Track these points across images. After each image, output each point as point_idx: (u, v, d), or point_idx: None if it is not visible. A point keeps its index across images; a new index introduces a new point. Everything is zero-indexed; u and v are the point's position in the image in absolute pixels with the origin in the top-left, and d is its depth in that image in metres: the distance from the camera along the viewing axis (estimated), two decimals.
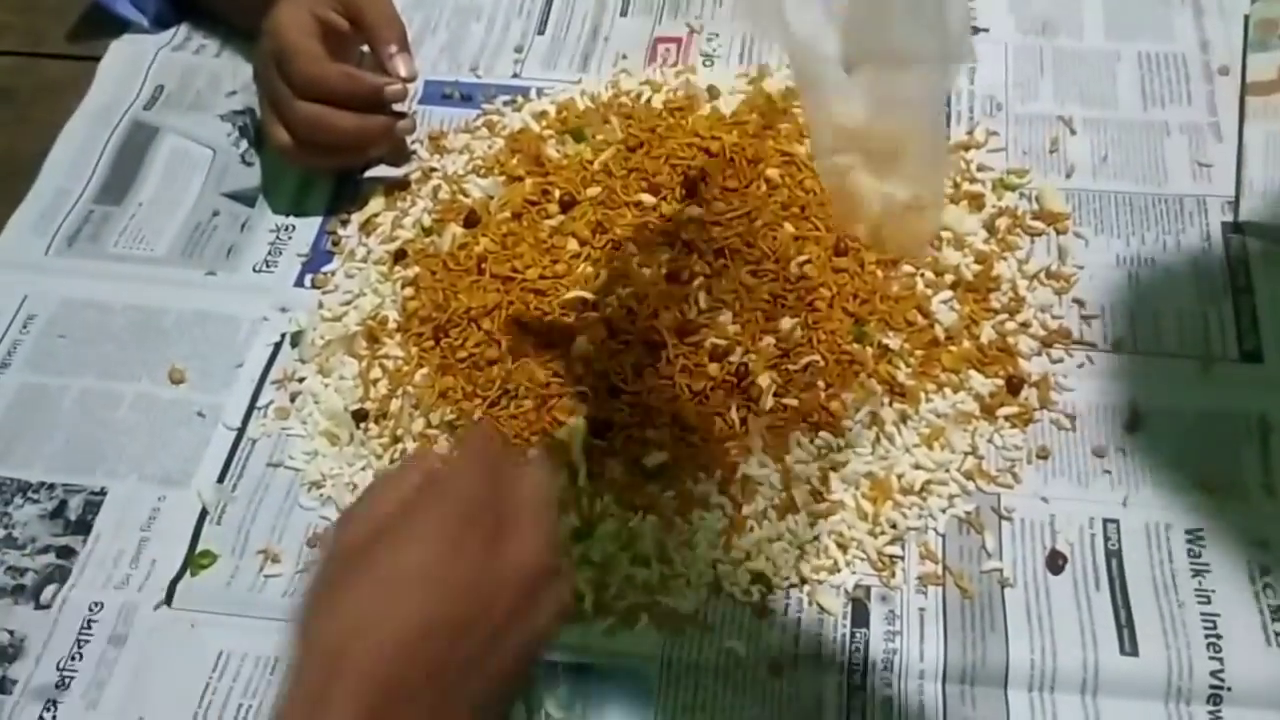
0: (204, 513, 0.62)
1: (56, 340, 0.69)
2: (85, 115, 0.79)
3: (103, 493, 0.63)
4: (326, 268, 0.71)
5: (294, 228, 0.73)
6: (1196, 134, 0.71)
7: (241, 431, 0.65)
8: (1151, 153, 0.70)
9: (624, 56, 0.78)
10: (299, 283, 0.70)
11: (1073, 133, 0.72)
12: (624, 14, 0.81)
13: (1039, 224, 0.68)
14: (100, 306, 0.70)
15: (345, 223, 0.73)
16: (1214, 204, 0.68)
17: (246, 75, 0.78)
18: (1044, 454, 0.60)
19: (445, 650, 0.41)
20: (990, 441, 0.61)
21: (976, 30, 0.77)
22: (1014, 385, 0.62)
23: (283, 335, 0.68)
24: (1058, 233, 0.68)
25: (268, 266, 0.72)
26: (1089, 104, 0.73)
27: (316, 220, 0.73)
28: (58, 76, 0.83)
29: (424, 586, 0.42)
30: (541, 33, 0.81)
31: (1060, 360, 0.63)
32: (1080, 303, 0.65)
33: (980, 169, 0.70)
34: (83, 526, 0.62)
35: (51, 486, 0.63)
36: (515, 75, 0.79)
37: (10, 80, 0.83)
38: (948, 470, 0.60)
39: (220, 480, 0.63)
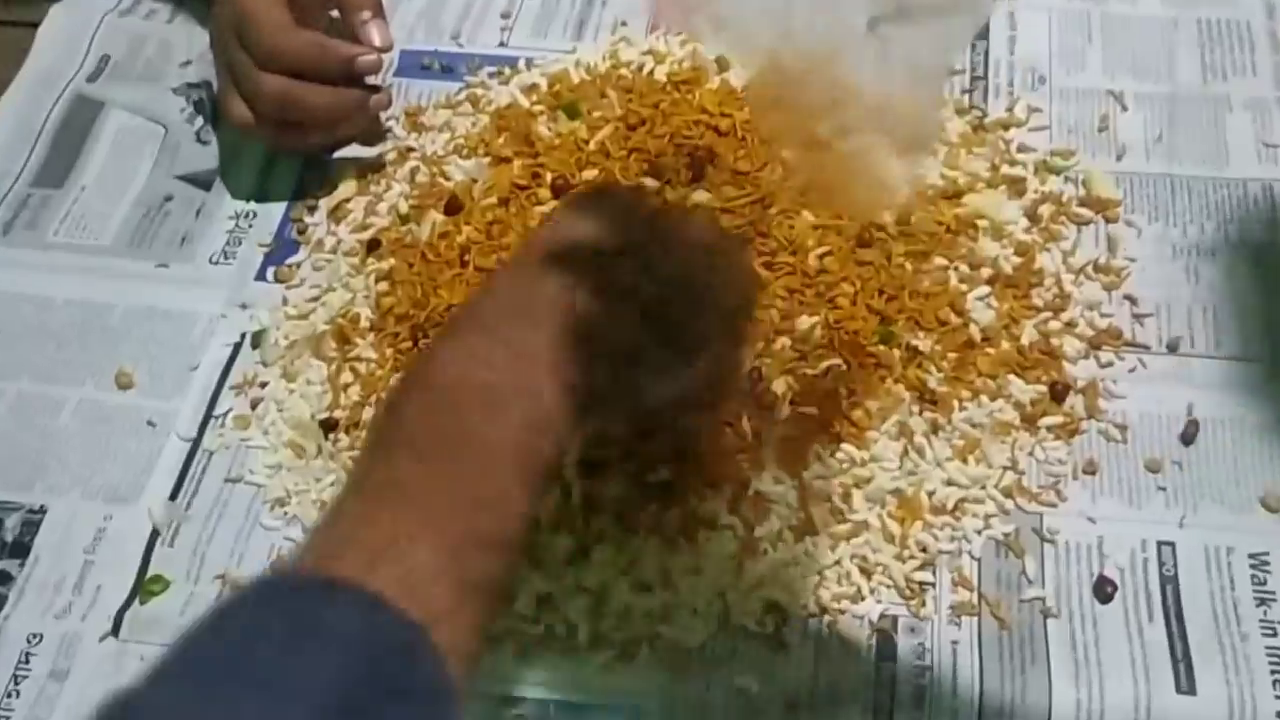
0: (155, 534, 0.62)
1: None
2: (21, 88, 0.80)
3: (42, 511, 0.63)
4: (291, 259, 0.71)
5: (255, 214, 0.73)
6: (1262, 110, 0.71)
7: (196, 443, 0.65)
8: (1212, 131, 0.71)
9: (623, 24, 0.78)
10: (260, 276, 0.71)
11: (1124, 109, 0.72)
12: None
13: (1086, 211, 0.68)
14: (39, 301, 0.70)
15: (313, 209, 0.73)
16: None
17: (203, 43, 0.78)
18: (1091, 469, 0.60)
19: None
20: (1031, 455, 0.61)
21: None
22: (1058, 392, 0.62)
23: (243, 335, 0.68)
24: (1107, 221, 0.68)
25: (226, 258, 0.72)
26: (1142, 77, 0.73)
27: (281, 206, 0.74)
28: None
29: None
30: None
31: (1110, 364, 0.63)
32: (1132, 300, 0.65)
33: (1021, 150, 0.70)
34: (20, 549, 0.62)
35: None
36: (502, 44, 0.79)
37: None
38: (984, 487, 0.60)
39: (173, 497, 0.63)
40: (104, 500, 0.63)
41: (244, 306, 0.69)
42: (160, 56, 0.81)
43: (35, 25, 0.83)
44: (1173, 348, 0.63)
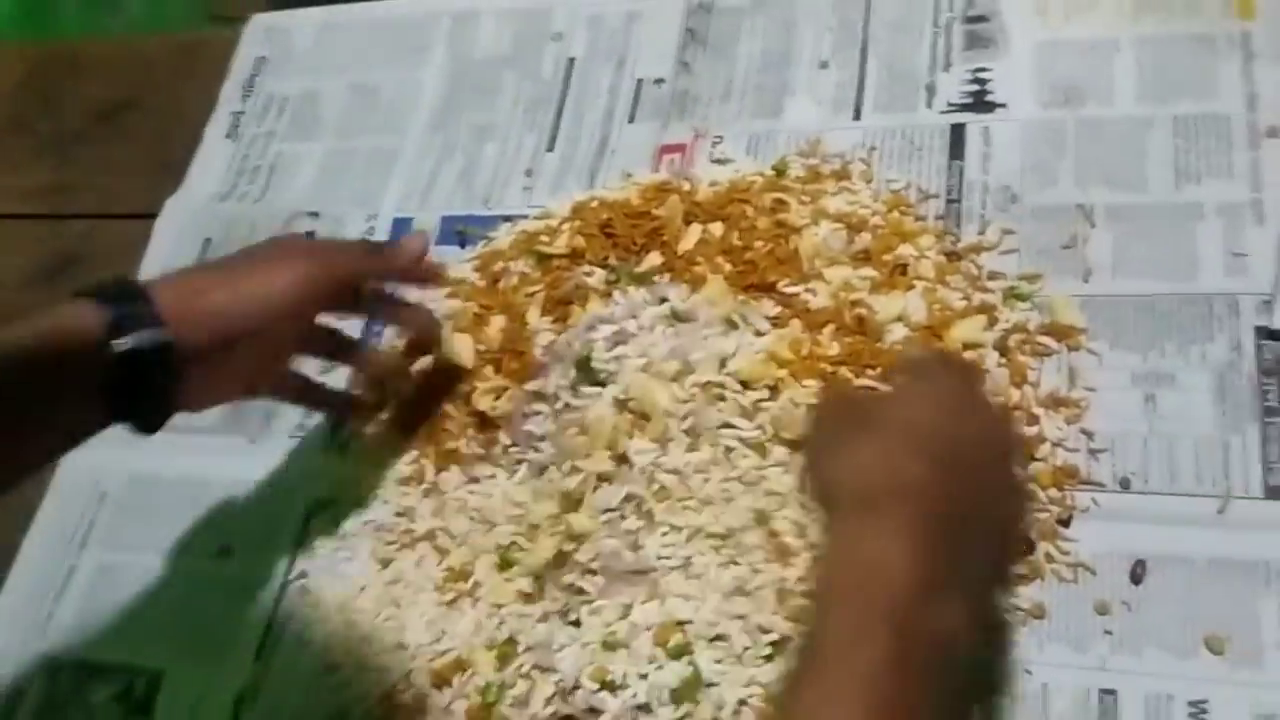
0: (242, 694, 0.69)
1: (124, 517, 0.78)
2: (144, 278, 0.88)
3: (159, 673, 0.71)
4: (348, 429, 0.76)
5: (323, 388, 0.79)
6: (1234, 216, 0.66)
7: (277, 606, 0.72)
8: (1181, 242, 0.66)
9: (629, 175, 0.79)
10: (327, 446, 0.77)
11: (1092, 225, 0.68)
12: (632, 120, 0.82)
13: (1050, 341, 0.66)
14: (157, 480, 0.79)
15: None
16: (1247, 304, 0.63)
17: (281, 218, 0.85)
18: (1040, 613, 0.59)
19: (965, 491, 0.47)
20: None
21: (993, 107, 0.74)
22: (1028, 543, 0.60)
23: (315, 502, 0.75)
24: (1069, 349, 0.65)
25: (299, 431, 0.78)
26: (1114, 186, 0.69)
27: (344, 379, 0.78)
28: (125, 237, 0.91)
29: (936, 439, 0.48)
30: (551, 149, 0.83)
31: (1067, 504, 0.61)
32: (1088, 434, 0.63)
33: (991, 276, 0.68)
34: (144, 707, 0.70)
35: (119, 668, 0.72)
36: (529, 205, 0.81)
37: (80, 245, 0.93)
38: None
39: (258, 658, 0.70)
40: (207, 663, 0.71)
41: (314, 477, 0.76)
42: (249, 235, 0.87)
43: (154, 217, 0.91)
44: (1125, 485, 0.61)
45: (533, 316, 0.73)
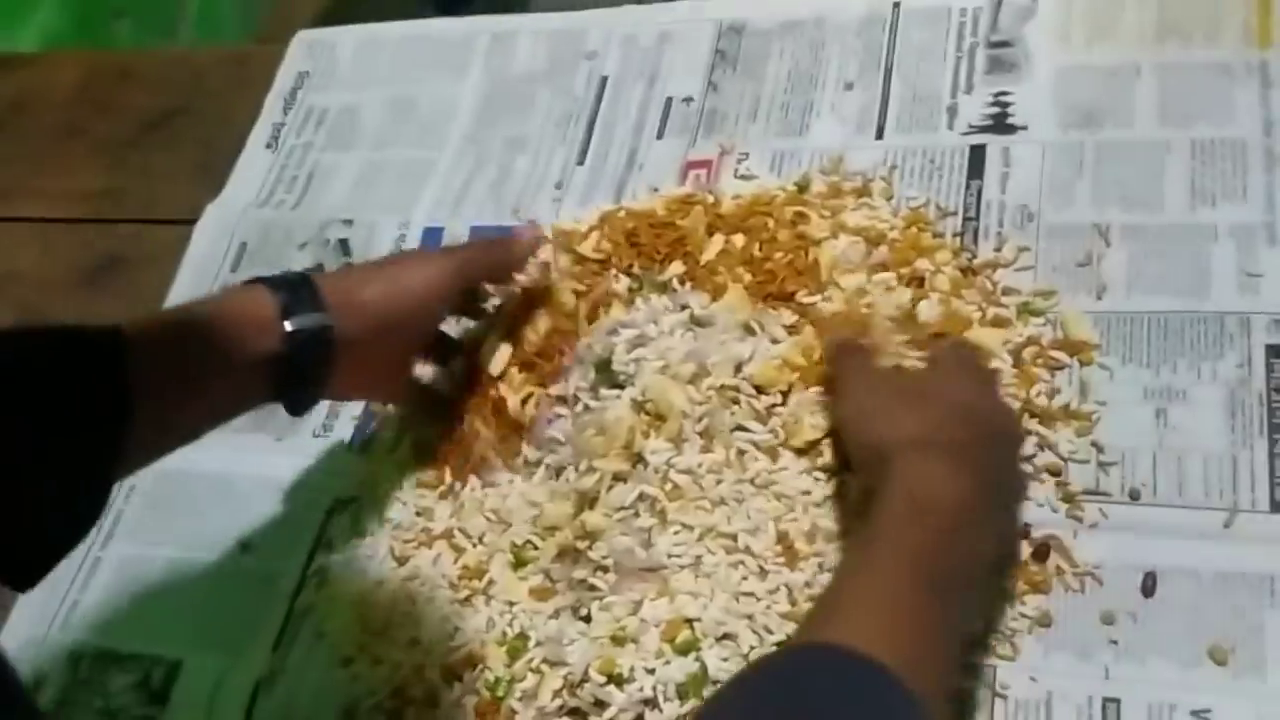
0: (258, 684, 0.70)
1: (150, 511, 0.80)
2: (182, 284, 0.90)
3: (178, 663, 0.73)
4: (371, 430, 0.78)
5: None
6: (1248, 237, 0.66)
7: (294, 600, 0.73)
8: (1194, 262, 0.67)
9: (655, 190, 0.81)
10: (350, 446, 0.78)
11: (1108, 244, 0.69)
12: (660, 136, 0.84)
13: (1062, 355, 0.66)
14: (185, 476, 0.80)
15: None
16: (1259, 323, 0.64)
17: (315, 224, 0.87)
18: (1046, 621, 0.59)
19: (993, 460, 0.57)
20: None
21: (1013, 129, 0.75)
22: (1041, 552, 0.61)
23: (335, 500, 0.76)
24: (1081, 364, 0.66)
25: (325, 431, 0.79)
26: (1130, 207, 0.70)
27: None
28: (167, 241, 0.94)
29: (974, 413, 0.58)
30: (581, 163, 0.85)
31: (1076, 516, 0.62)
32: (1099, 447, 0.63)
33: (1006, 292, 0.69)
34: (160, 697, 0.72)
35: (139, 657, 0.74)
36: (559, 217, 0.82)
37: (126, 248, 0.95)
38: None
39: (275, 649, 0.71)
40: (226, 653, 0.72)
41: (337, 475, 0.77)
42: (285, 240, 0.89)
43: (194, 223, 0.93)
44: (1134, 496, 0.61)
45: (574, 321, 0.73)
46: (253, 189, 0.93)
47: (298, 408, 0.66)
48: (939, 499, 0.53)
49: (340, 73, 0.98)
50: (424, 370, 0.74)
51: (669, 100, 0.85)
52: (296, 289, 0.64)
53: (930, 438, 0.55)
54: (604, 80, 0.89)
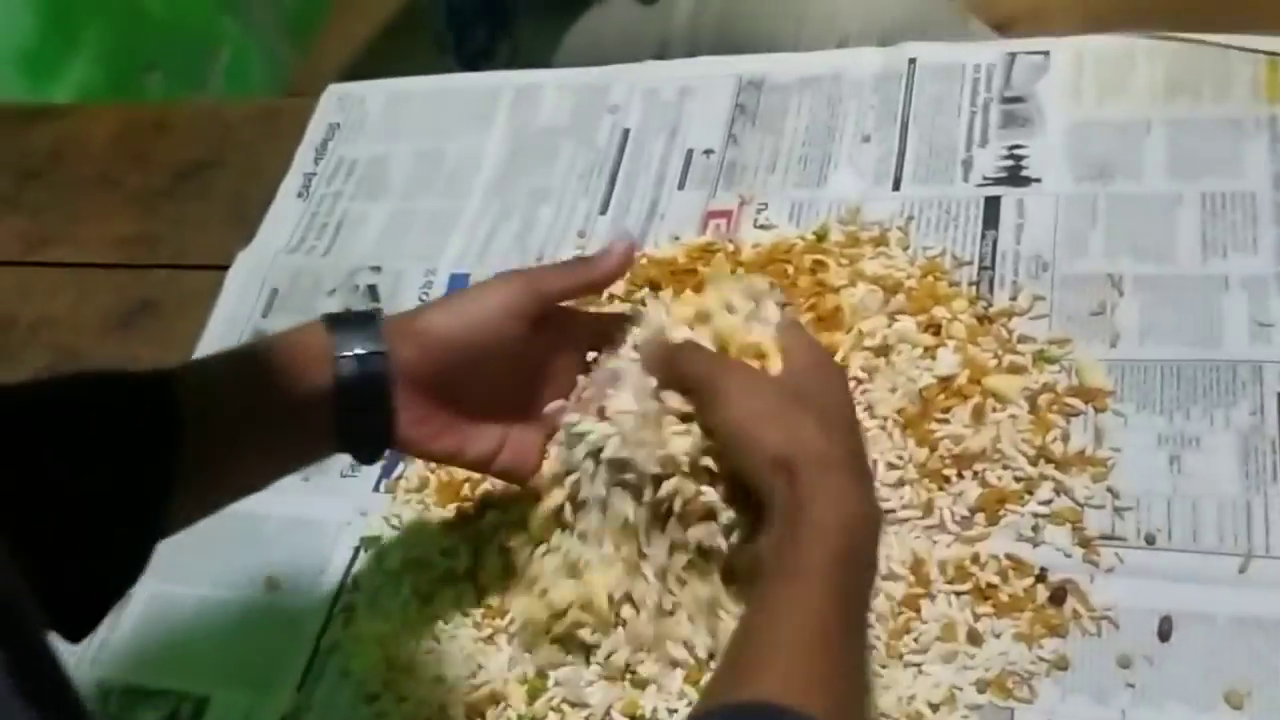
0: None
1: (180, 549, 0.80)
2: (214, 329, 0.91)
3: (206, 699, 0.73)
4: (396, 471, 0.79)
5: None
6: (1259, 288, 0.68)
7: (320, 637, 0.73)
8: (1206, 312, 0.68)
9: (676, 238, 0.82)
10: (376, 487, 0.79)
11: (1121, 294, 0.70)
12: (681, 187, 0.86)
13: (1077, 402, 0.67)
14: (217, 515, 0.81)
15: None
16: (1271, 371, 0.65)
17: (345, 271, 0.88)
18: (1063, 664, 0.60)
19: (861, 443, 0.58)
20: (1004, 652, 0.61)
21: (1027, 181, 0.76)
22: (1058, 596, 0.61)
23: (361, 540, 0.77)
24: (1096, 410, 0.67)
25: (352, 471, 0.80)
26: (1142, 258, 0.71)
27: None
28: (200, 287, 0.95)
29: (846, 409, 0.59)
30: (604, 213, 0.86)
31: (1092, 561, 0.62)
32: (1114, 492, 0.64)
33: (1022, 340, 0.70)
34: None
35: (167, 693, 0.74)
36: None
37: (158, 293, 0.97)
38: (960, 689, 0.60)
39: (301, 686, 0.72)
40: (253, 690, 0.73)
41: (364, 514, 0.78)
42: (314, 287, 0.91)
43: (226, 269, 0.95)
44: (1150, 541, 0.62)
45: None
46: (284, 236, 0.95)
47: (361, 450, 0.62)
48: (852, 521, 0.53)
49: (370, 125, 1.00)
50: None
51: (690, 152, 0.87)
52: (356, 324, 0.61)
53: (829, 452, 0.54)
54: (626, 133, 0.90)
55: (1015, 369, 0.69)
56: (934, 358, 0.70)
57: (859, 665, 0.53)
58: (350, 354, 0.59)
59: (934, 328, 0.71)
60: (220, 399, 0.58)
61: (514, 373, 0.65)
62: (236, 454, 0.60)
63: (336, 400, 0.59)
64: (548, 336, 0.65)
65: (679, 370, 0.60)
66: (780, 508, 0.53)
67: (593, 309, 0.75)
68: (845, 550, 0.52)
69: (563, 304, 0.66)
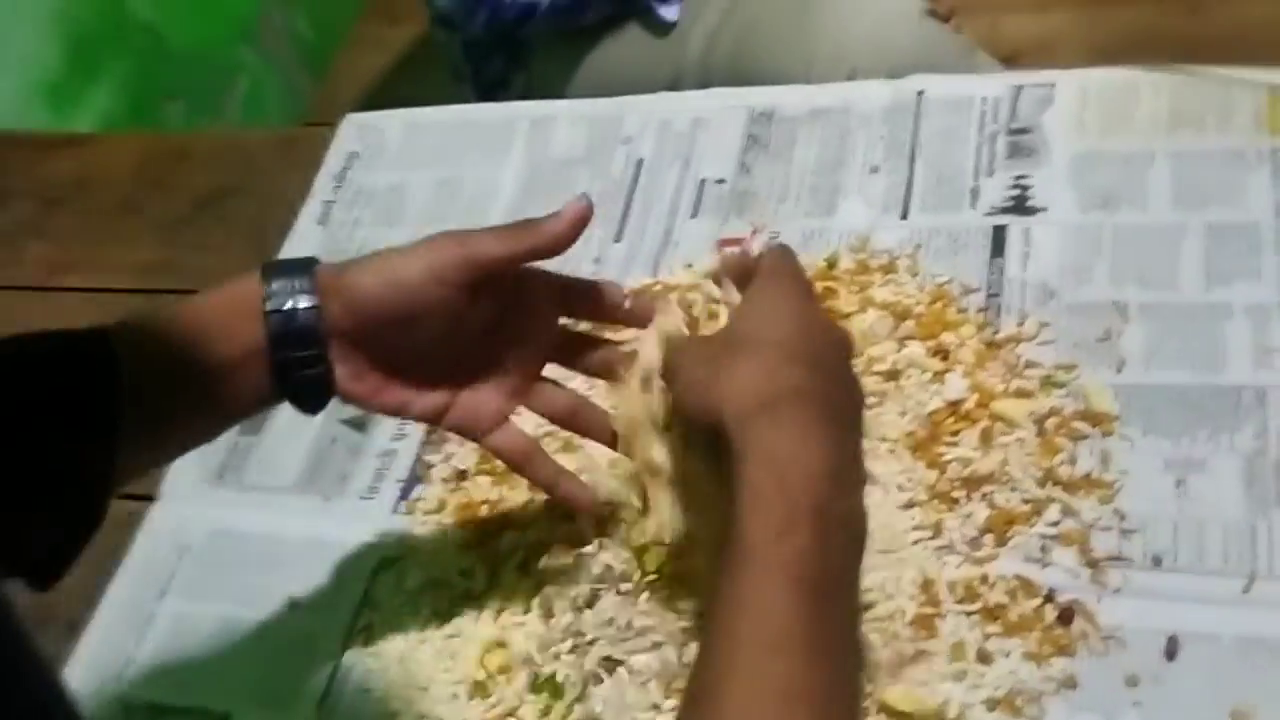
0: None
1: (203, 569, 0.82)
2: None
3: (226, 716, 0.74)
4: (414, 493, 0.80)
5: (395, 453, 0.83)
6: (1262, 316, 0.69)
7: (340, 656, 0.74)
8: (1211, 338, 0.69)
9: (689, 265, 0.84)
10: (395, 508, 0.80)
11: (1126, 321, 0.71)
12: (694, 215, 0.87)
13: (1084, 425, 0.68)
14: (236, 536, 0.82)
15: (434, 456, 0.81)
16: (1274, 395, 0.66)
17: None
18: (1072, 684, 0.61)
19: (834, 389, 0.51)
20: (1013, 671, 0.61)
21: (1033, 210, 0.78)
22: (1066, 615, 0.62)
23: (380, 560, 0.78)
24: (1103, 434, 0.68)
25: (371, 493, 0.82)
26: (1147, 286, 0.72)
27: (414, 446, 0.83)
28: None
29: (801, 347, 0.51)
30: (618, 240, 0.88)
31: (1099, 581, 0.63)
32: (1120, 514, 0.65)
33: (1029, 365, 0.71)
34: None
35: (189, 711, 0.75)
36: None
37: None
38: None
39: (321, 704, 0.73)
40: (273, 708, 0.74)
41: (382, 535, 0.79)
42: None
43: None
44: (1156, 562, 0.63)
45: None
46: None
47: (301, 403, 0.62)
48: (796, 474, 0.47)
49: (388, 153, 1.01)
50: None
51: (702, 182, 0.89)
52: (290, 273, 0.60)
53: (765, 392, 0.49)
54: (640, 163, 0.92)
55: (1022, 393, 0.70)
56: (943, 382, 0.71)
57: (839, 656, 0.46)
58: (280, 308, 0.59)
59: (942, 353, 0.73)
60: (154, 351, 0.58)
61: (452, 335, 0.62)
62: (178, 403, 0.59)
63: (268, 353, 0.59)
64: (496, 299, 0.63)
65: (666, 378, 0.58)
66: (730, 485, 0.48)
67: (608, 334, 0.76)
68: (791, 517, 0.46)
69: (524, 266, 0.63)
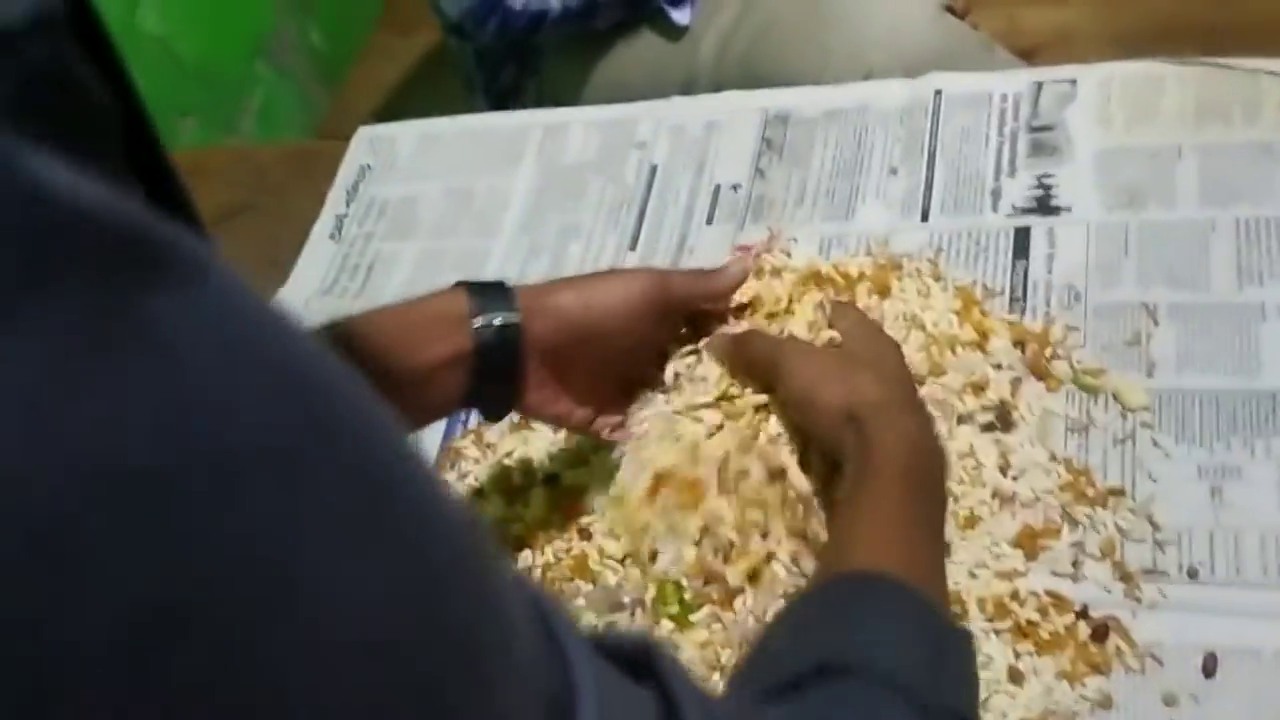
0: None
1: None
2: None
3: None
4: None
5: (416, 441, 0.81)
6: None
7: None
8: (1244, 340, 0.66)
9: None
10: None
11: (1156, 323, 0.68)
12: (709, 222, 0.85)
13: (1116, 429, 0.65)
14: None
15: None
16: None
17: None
18: (1107, 704, 0.58)
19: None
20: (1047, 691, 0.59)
21: (1057, 210, 0.75)
22: (1100, 632, 0.60)
23: None
24: (1142, 426, 0.65)
25: None
26: (1177, 286, 0.70)
27: (437, 437, 0.80)
28: None
29: (900, 367, 0.64)
30: (633, 248, 0.86)
31: (1134, 596, 0.61)
32: (1155, 525, 0.62)
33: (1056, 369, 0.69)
34: None
35: None
36: None
37: None
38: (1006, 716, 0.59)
39: None
40: None
41: None
42: None
43: None
44: (1192, 575, 0.60)
45: None
46: (317, 277, 0.95)
47: (489, 410, 0.67)
48: (918, 451, 0.57)
49: (400, 165, 1.00)
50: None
51: (717, 187, 0.87)
52: (491, 291, 0.64)
53: (888, 398, 0.59)
54: (654, 169, 0.90)
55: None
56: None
57: (935, 545, 0.57)
58: (488, 322, 0.63)
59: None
60: (360, 350, 0.59)
61: (630, 355, 0.69)
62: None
63: (472, 363, 0.63)
64: (673, 329, 0.71)
65: (745, 356, 0.67)
66: (852, 455, 0.58)
67: None
68: (915, 468, 0.56)
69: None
